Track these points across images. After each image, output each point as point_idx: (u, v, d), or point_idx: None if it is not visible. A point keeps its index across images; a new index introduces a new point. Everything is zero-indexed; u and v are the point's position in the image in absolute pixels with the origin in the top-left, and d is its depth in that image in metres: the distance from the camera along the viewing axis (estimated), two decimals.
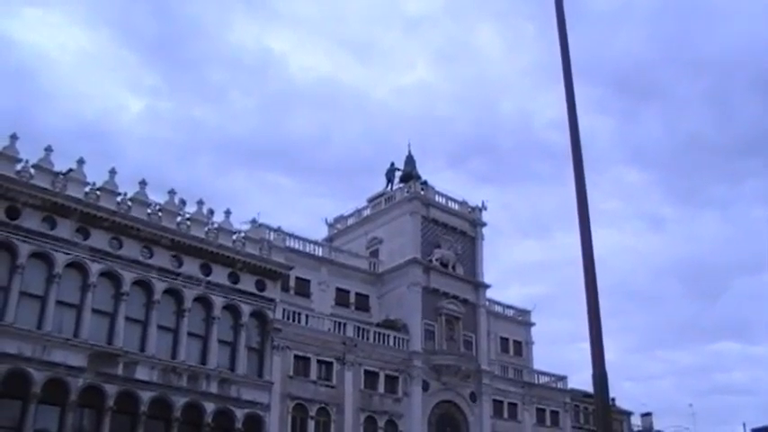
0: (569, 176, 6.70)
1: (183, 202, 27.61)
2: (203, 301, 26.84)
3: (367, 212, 38.93)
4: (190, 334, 26.09)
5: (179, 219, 27.01)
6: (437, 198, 38.09)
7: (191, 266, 26.56)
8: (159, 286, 25.50)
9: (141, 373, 24.04)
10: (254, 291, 28.02)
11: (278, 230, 31.56)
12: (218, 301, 27.01)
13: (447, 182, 75.62)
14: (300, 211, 68.71)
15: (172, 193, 27.41)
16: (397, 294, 34.83)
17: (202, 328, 26.67)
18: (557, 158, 72.76)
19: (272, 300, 28.42)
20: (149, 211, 26.04)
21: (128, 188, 26.06)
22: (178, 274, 26.19)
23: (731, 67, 76.94)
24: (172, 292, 25.98)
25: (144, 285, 25.26)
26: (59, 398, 22.06)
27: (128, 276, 24.72)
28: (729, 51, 74.78)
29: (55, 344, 22.36)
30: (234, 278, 27.65)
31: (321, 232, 40.22)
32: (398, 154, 42.67)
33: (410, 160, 40.52)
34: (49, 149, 24.42)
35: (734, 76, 78.21)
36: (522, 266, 72.54)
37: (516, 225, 77.90)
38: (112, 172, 25.87)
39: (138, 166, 51.19)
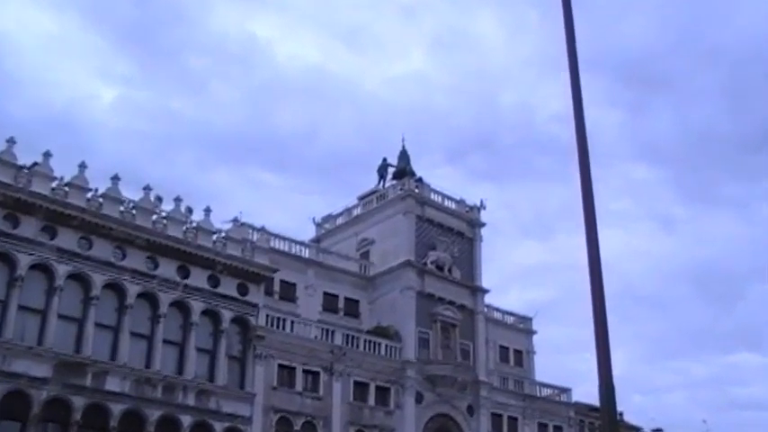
0: (574, 173, 6.72)
1: (160, 200, 27.53)
2: (180, 306, 26.78)
3: (357, 211, 38.97)
4: (165, 341, 26.00)
5: (155, 217, 26.91)
6: (433, 196, 38.12)
7: (167, 268, 26.47)
8: (132, 290, 25.40)
9: (112, 384, 23.83)
10: (236, 295, 28.03)
11: (261, 230, 31.48)
12: (196, 305, 26.98)
13: (443, 179, 75.50)
14: (286, 209, 68.81)
15: (147, 189, 27.29)
16: (389, 299, 34.92)
17: (179, 334, 26.58)
18: (561, 154, 73.16)
19: (254, 305, 28.42)
20: (122, 208, 25.93)
21: (99, 184, 25.98)
22: (153, 277, 26.13)
23: (747, 56, 76.93)
24: (146, 296, 25.87)
25: (116, 289, 25.13)
26: (20, 412, 21.73)
27: (98, 279, 24.56)
28: (745, 40, 74.83)
29: (16, 353, 22.10)
30: (214, 281, 27.69)
31: (308, 232, 40.32)
32: (391, 149, 42.54)
33: (404, 156, 40.50)
34: (11, 141, 24.22)
35: (750, 67, 77.94)
36: (523, 270, 72.44)
37: (517, 225, 77.86)
38: (82, 166, 25.69)
39: (111, 160, 50.64)
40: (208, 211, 28.59)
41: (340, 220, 39.63)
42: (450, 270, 36.70)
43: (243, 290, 28.30)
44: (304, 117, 74.48)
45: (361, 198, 39.66)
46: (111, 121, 64.39)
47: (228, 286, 27.89)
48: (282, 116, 73.13)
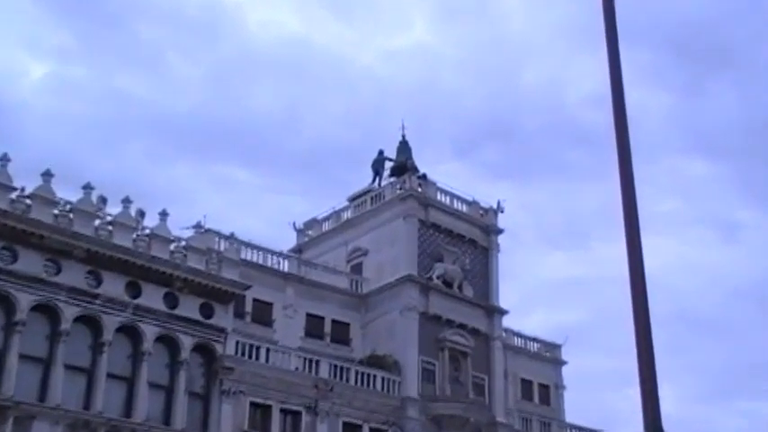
0: (613, 169, 6.76)
1: (104, 201, 27.60)
2: (129, 332, 26.83)
3: (347, 215, 39.31)
4: (110, 376, 25.95)
5: (97, 222, 27.01)
6: (439, 196, 38.28)
7: (112, 286, 26.53)
8: (69, 312, 25.29)
9: (40, 430, 23.61)
10: (198, 317, 28.20)
11: (231, 238, 31.64)
12: (149, 331, 27.02)
13: (452, 176, 75.90)
14: (261, 212, 68.55)
15: (88, 188, 27.26)
16: (386, 322, 35.10)
17: (127, 367, 26.59)
18: (596, 145, 71.83)
19: (221, 329, 28.66)
20: (56, 212, 25.96)
21: (26, 181, 25.88)
22: (95, 296, 26.11)
23: None
24: (86, 321, 25.84)
25: (47, 311, 25.04)
26: None
27: (24, 299, 24.37)
28: None
29: None
30: (171, 301, 27.84)
31: (288, 241, 40.34)
32: (389, 139, 42.35)
33: (404, 147, 40.66)
34: None
35: None
36: (550, 286, 72.47)
37: (542, 232, 78.01)
38: (4, 159, 25.62)
39: (41, 151, 50.68)
40: (164, 214, 28.73)
41: (326, 226, 39.91)
42: (460, 286, 36.81)
43: (207, 311, 28.54)
44: (282, 99, 74.56)
45: (353, 199, 39.89)
46: (42, 103, 64.14)
47: (189, 307, 28.05)
48: (256, 98, 72.95)
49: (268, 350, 30.30)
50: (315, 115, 74.10)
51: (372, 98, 73.56)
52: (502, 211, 39.62)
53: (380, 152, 41.00)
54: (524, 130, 76.80)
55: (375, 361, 33.66)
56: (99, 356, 25.82)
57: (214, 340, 28.41)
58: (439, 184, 38.64)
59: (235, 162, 77.64)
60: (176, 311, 27.63)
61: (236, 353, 28.93)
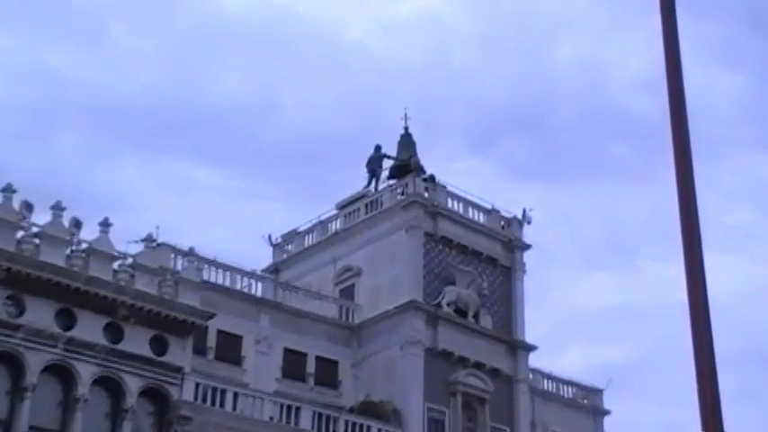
0: (667, 168, 6.82)
1: (29, 208, 27.43)
2: (60, 373, 26.48)
3: (336, 226, 39.43)
4: (34, 429, 25.55)
5: (20, 234, 26.84)
6: (451, 203, 38.45)
7: (39, 314, 26.24)
8: None
9: None
10: (149, 354, 28.01)
11: (190, 254, 31.68)
12: (85, 371, 26.69)
13: (468, 177, 73.52)
14: (229, 222, 69.38)
15: (9, 191, 27.08)
16: (383, 360, 35.11)
17: (57, 417, 26.22)
18: (646, 139, 71.75)
19: (177, 369, 28.49)
20: None
21: None
22: (16, 328, 25.72)
23: None
24: (4, 359, 25.53)
25: None
26: None
27: None
28: None
29: None
30: (114, 333, 27.64)
31: (262, 258, 40.46)
32: (388, 132, 42.61)
33: (407, 142, 40.95)
34: None
35: None
36: (589, 316, 72.51)
37: (580, 248, 77.90)
38: None
39: None
40: (106, 225, 28.64)
41: (310, 240, 40.01)
42: (476, 316, 36.73)
43: (160, 346, 28.39)
44: (255, 81, 74.50)
45: (343, 206, 39.98)
46: None
47: (137, 341, 27.87)
48: (222, 80, 72.99)
49: (236, 395, 30.19)
50: (296, 102, 74.35)
51: (368, 80, 73.70)
52: (529, 222, 39.58)
53: (377, 148, 40.97)
54: (557, 120, 77.10)
55: (370, 408, 33.60)
56: (19, 404, 25.49)
57: (168, 383, 28.18)
58: (450, 188, 38.68)
59: (195, 159, 78.32)
60: (120, 347, 27.45)
61: (196, 398, 28.81)
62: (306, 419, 31.12)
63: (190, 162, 74.77)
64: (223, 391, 29.80)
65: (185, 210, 67.05)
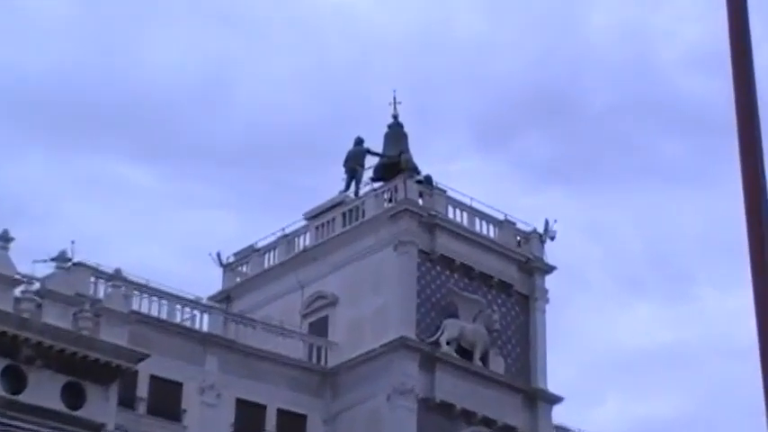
0: (730, 168, 6.73)
1: None
2: None
3: (304, 242, 39.76)
4: None
5: None
6: (452, 213, 38.54)
7: None
8: None
9: None
10: (60, 407, 28.07)
11: (116, 278, 31.63)
12: None
13: (474, 179, 73.50)
14: (166, 236, 68.82)
15: None
16: (365, 414, 35.42)
17: None
18: (703, 132, 72.20)
19: (97, 427, 28.71)
20: None
21: None
22: None
23: None
24: None
25: None
26: None
27: None
28: None
29: None
30: (14, 380, 27.46)
31: (210, 282, 40.59)
32: (373, 121, 42.88)
33: (396, 134, 41.17)
34: None
35: None
36: (629, 357, 71.94)
37: (618, 270, 79.08)
38: None
39: None
40: (5, 239, 28.82)
41: (271, 259, 40.36)
42: (484, 358, 36.72)
43: (74, 397, 28.51)
44: (201, 57, 74.16)
45: (313, 217, 40.24)
46: None
47: (45, 390, 27.87)
48: (158, 54, 72.33)
49: None
50: (253, 83, 74.01)
51: (346, 55, 73.28)
52: (552, 238, 39.71)
53: (358, 141, 41.02)
54: (589, 106, 76.65)
55: None
56: None
57: None
58: (452, 193, 38.63)
59: (123, 155, 76.94)
60: (22, 398, 27.37)
61: None
62: None
63: (116, 159, 74.47)
64: None
65: (109, 220, 67.11)
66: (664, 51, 79.61)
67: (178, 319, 34.57)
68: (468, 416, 35.54)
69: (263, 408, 35.00)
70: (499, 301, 37.88)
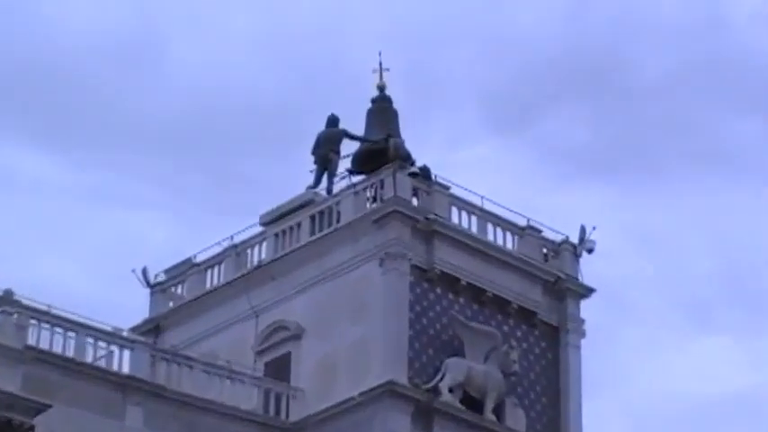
0: None
1: None
2: None
3: (260, 254, 40.13)
4: None
5: None
6: (456, 215, 38.68)
7: None
8: None
9: None
10: None
11: (7, 301, 31.31)
12: None
13: (484, 171, 74.26)
14: (77, 245, 69.60)
15: None
16: None
17: None
18: None
19: None
20: None
21: None
22: None
23: None
24: None
25: None
26: None
27: None
28: None
29: None
30: None
31: (134, 308, 40.90)
32: (350, 95, 43.34)
33: (382, 111, 41.87)
34: None
35: None
36: (694, 407, 71.62)
37: (679, 293, 78.62)
38: None
39: None
40: None
41: (214, 278, 40.82)
42: (499, 409, 36.54)
43: None
44: (121, 14, 75.51)
45: (271, 221, 40.43)
46: None
47: None
48: (67, 11, 73.98)
49: None
50: (189, 44, 76.26)
51: (316, 6, 73.85)
52: (590, 250, 39.79)
53: (332, 121, 41.16)
54: (639, 77, 77.97)
55: None
56: None
57: None
58: (456, 190, 38.55)
59: (20, 139, 76.25)
60: None
61: None
62: None
63: (10, 144, 73.42)
64: None
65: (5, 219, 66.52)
66: (733, 8, 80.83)
67: (90, 358, 33.93)
68: None
69: None
70: (519, 335, 37.64)
